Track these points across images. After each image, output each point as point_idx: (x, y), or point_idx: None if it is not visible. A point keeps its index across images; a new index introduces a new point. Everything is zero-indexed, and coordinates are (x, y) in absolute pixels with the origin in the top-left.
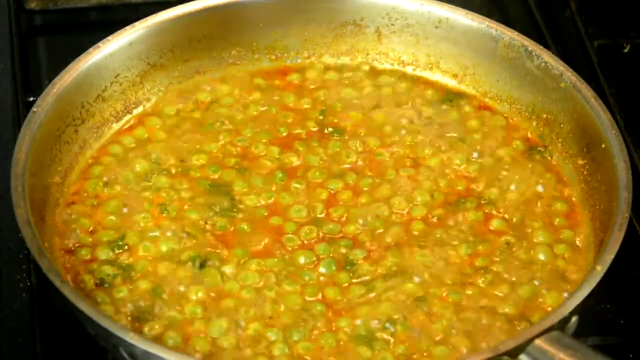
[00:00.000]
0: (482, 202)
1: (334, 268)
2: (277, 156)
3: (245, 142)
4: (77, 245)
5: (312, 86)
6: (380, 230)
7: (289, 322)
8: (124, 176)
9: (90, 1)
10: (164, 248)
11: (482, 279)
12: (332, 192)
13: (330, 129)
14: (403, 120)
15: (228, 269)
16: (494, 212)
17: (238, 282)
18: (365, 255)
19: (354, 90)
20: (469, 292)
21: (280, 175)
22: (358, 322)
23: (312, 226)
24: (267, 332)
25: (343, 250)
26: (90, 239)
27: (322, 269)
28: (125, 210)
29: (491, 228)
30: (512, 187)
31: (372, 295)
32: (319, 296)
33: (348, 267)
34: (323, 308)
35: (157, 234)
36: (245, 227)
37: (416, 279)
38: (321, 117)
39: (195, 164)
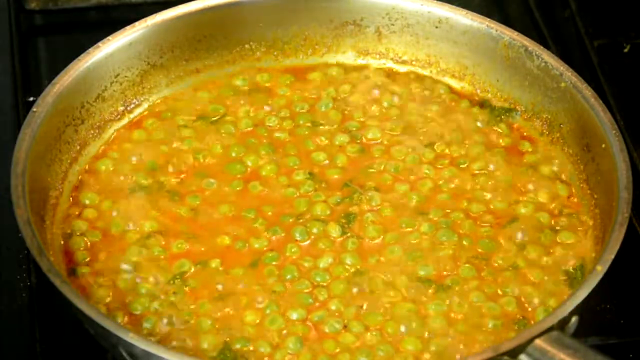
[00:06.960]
0: (483, 202)
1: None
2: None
3: (249, 141)
4: (77, 244)
5: (312, 86)
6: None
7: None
8: (125, 175)
9: (90, 1)
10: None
11: (482, 277)
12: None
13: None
14: (402, 120)
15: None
16: (487, 209)
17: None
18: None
19: (353, 90)
20: (471, 289)
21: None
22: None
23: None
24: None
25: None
26: (90, 238)
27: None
28: (125, 209)
29: (485, 224)
30: (511, 186)
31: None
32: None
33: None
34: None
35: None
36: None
37: (422, 271)
38: (323, 114)
39: (202, 163)
